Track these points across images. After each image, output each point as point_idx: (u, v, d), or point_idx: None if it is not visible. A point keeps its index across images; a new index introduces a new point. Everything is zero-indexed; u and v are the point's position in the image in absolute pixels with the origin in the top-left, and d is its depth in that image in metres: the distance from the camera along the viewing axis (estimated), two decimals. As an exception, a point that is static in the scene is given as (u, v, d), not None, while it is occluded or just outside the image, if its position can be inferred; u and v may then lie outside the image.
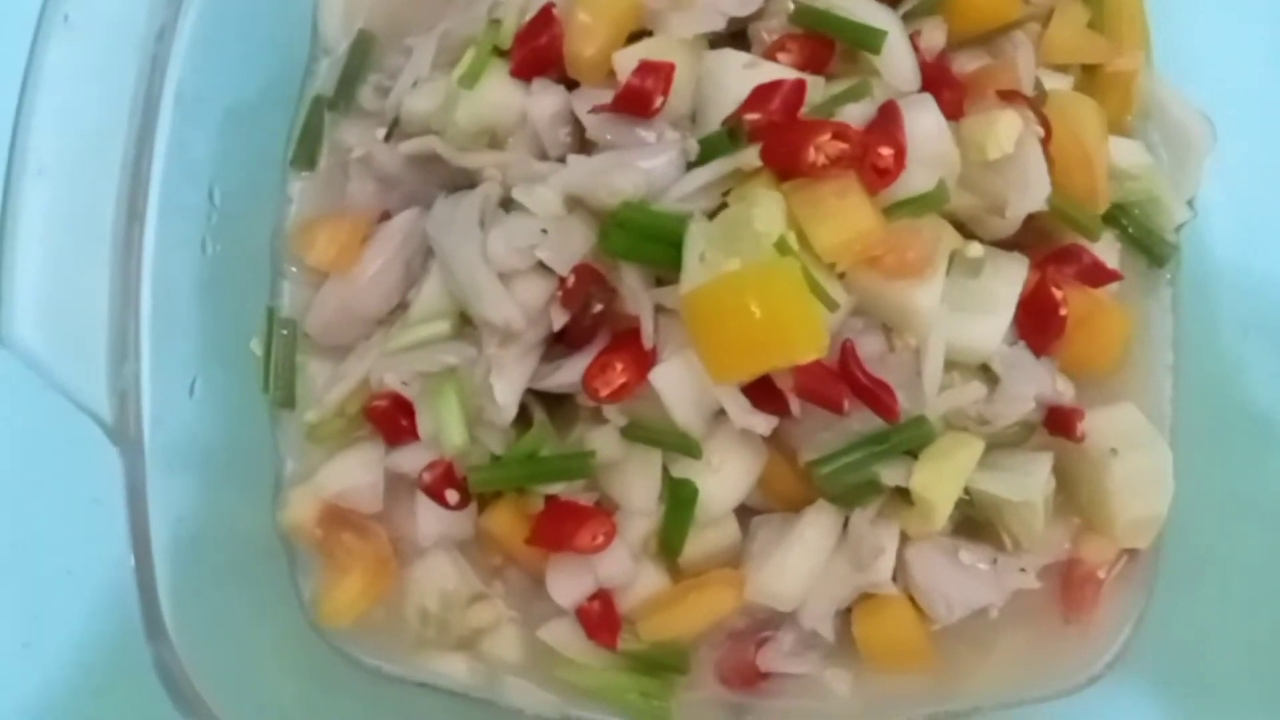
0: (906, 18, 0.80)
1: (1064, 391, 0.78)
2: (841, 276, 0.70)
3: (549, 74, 0.79)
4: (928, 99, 0.73)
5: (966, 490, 0.75)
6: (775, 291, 0.65)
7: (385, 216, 0.83)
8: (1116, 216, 0.83)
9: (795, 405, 0.71)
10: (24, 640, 0.89)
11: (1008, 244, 0.78)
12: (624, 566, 0.76)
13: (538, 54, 0.78)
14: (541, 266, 0.73)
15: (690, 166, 0.73)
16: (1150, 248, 0.84)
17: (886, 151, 0.69)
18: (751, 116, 0.71)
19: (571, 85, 0.79)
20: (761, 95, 0.71)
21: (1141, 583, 0.82)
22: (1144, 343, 0.84)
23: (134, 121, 0.71)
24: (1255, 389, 0.82)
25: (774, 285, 0.65)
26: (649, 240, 0.71)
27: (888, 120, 0.71)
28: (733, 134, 0.71)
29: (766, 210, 0.67)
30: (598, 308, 0.72)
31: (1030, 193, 0.74)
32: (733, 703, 0.81)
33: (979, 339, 0.74)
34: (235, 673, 0.70)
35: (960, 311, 0.73)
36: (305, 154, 0.87)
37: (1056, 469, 0.78)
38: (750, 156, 0.70)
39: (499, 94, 0.78)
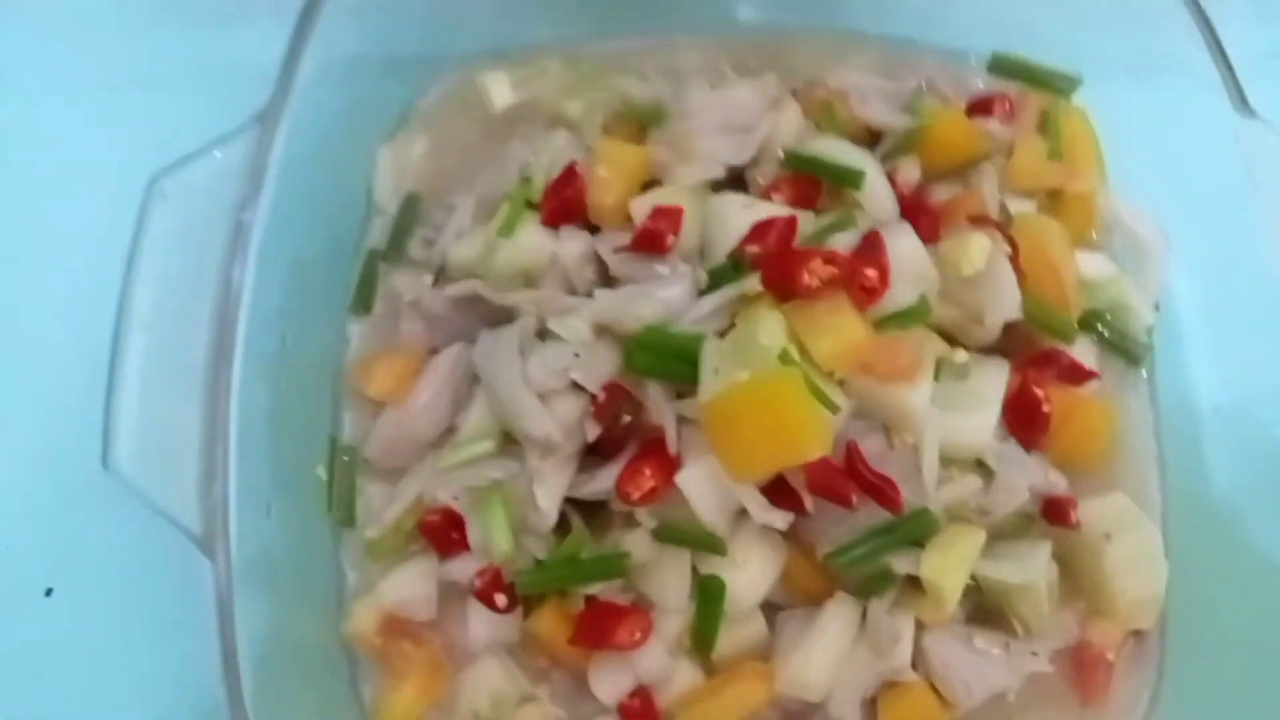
0: (884, 157, 0.90)
1: (1057, 483, 0.83)
2: (841, 383, 0.77)
3: (575, 221, 0.88)
4: (906, 226, 0.82)
5: (974, 578, 0.79)
6: (782, 397, 0.72)
7: (434, 352, 0.89)
8: (1091, 322, 0.90)
9: (809, 501, 0.76)
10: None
11: (992, 350, 0.85)
12: (661, 662, 0.79)
13: (565, 205, 0.87)
14: (575, 386, 0.80)
15: (701, 294, 0.81)
16: (1125, 349, 0.91)
17: (872, 273, 0.77)
18: (752, 249, 0.80)
19: (594, 230, 0.88)
20: (760, 230, 0.80)
21: (1151, 663, 0.85)
22: (1128, 435, 0.89)
23: (221, 279, 0.79)
24: (1234, 465, 0.86)
25: (780, 391, 0.72)
26: (669, 359, 0.78)
27: (871, 246, 0.79)
28: (736, 264, 0.80)
29: (769, 328, 0.75)
30: (626, 419, 0.78)
31: (1004, 302, 0.81)
32: None
33: (970, 435, 0.80)
34: None
35: (951, 411, 0.79)
36: (363, 300, 0.93)
37: (1058, 557, 0.83)
38: (753, 283, 0.78)
39: (532, 240, 0.87)
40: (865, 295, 0.77)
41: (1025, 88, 0.96)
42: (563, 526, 0.82)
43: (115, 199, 0.81)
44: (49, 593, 0.97)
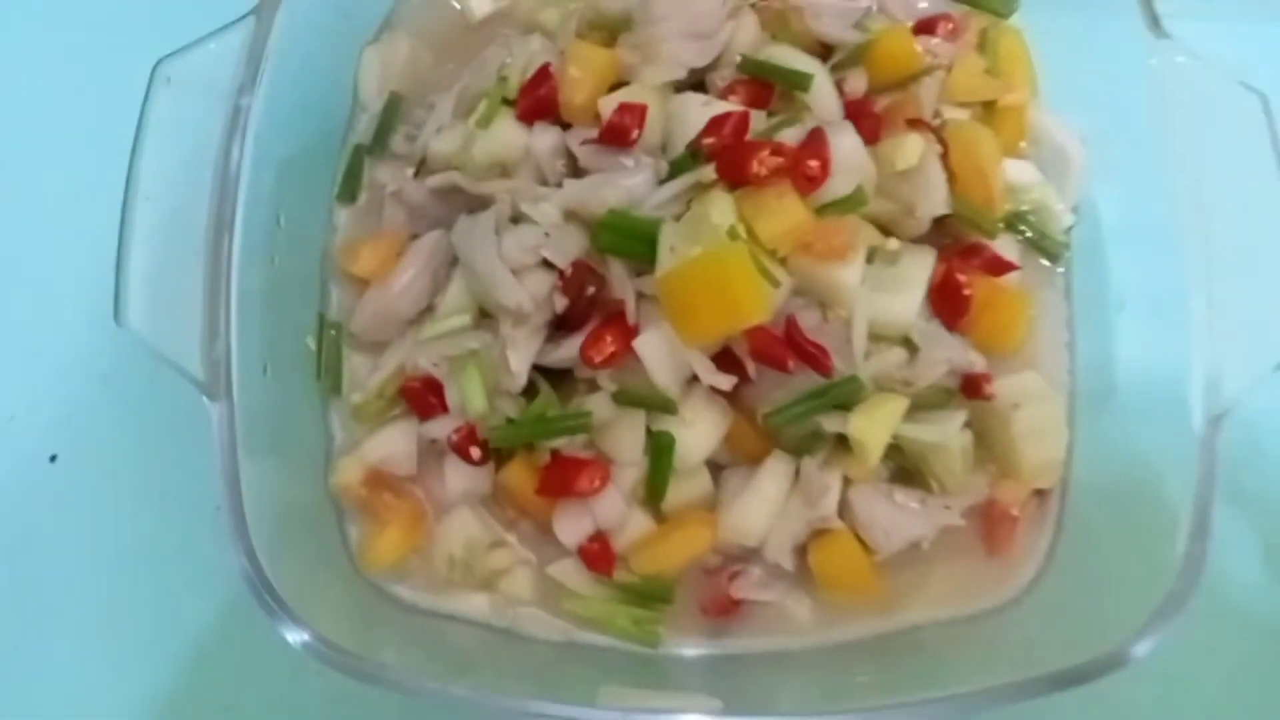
0: (834, 68, 0.95)
1: (975, 361, 0.89)
2: (783, 261, 0.83)
3: (547, 118, 0.92)
4: (847, 124, 0.88)
5: (896, 440, 0.86)
6: (729, 268, 0.78)
7: (414, 237, 0.94)
8: (1015, 223, 0.96)
9: (751, 367, 0.83)
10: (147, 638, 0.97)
11: (922, 242, 0.91)
12: (618, 509, 0.86)
13: (538, 102, 0.91)
14: (546, 263, 0.86)
15: (661, 183, 0.87)
16: (1044, 247, 0.97)
17: (814, 163, 0.83)
18: (708, 141, 0.85)
19: (565, 126, 0.92)
20: (716, 124, 0.85)
21: (1050, 519, 0.92)
22: (1043, 323, 0.95)
23: (220, 159, 0.83)
24: (1135, 355, 0.93)
25: (728, 263, 0.78)
26: (630, 239, 0.83)
27: (815, 141, 0.85)
28: (694, 155, 0.85)
29: (720, 208, 0.81)
30: (590, 292, 0.84)
31: (933, 197, 0.88)
32: (711, 627, 0.89)
33: (897, 313, 0.86)
34: (300, 604, 0.78)
35: (881, 291, 0.86)
36: (349, 190, 0.99)
37: (973, 428, 0.89)
38: (708, 172, 0.83)
39: (508, 134, 0.92)
40: (807, 183, 0.82)
41: (968, 10, 1.00)
42: (531, 392, 0.88)
43: (123, 83, 0.84)
44: (53, 459, 1.03)
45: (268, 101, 0.86)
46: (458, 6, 1.06)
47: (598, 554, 0.87)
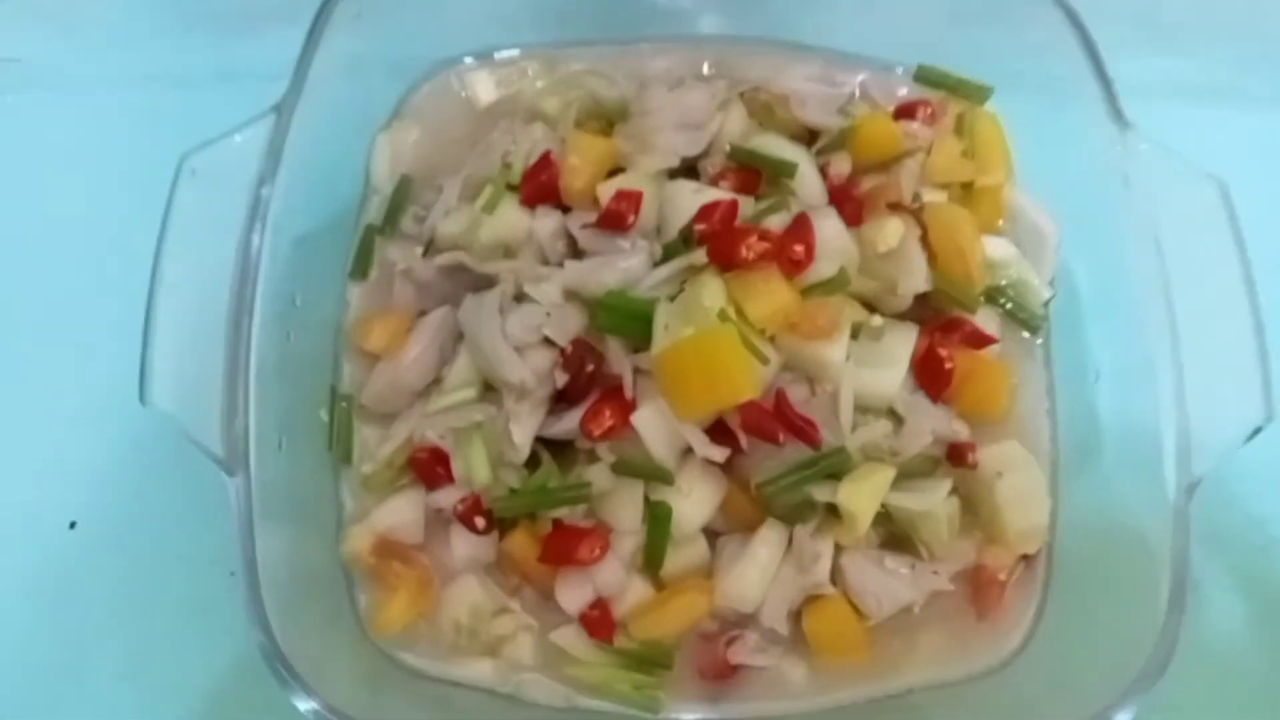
0: (819, 153, 0.99)
1: (959, 430, 0.92)
2: (771, 339, 0.85)
3: (549, 202, 0.95)
4: (831, 210, 0.92)
5: (885, 508, 0.88)
6: (720, 347, 0.81)
7: (423, 313, 0.96)
8: (995, 297, 0.99)
9: (743, 439, 0.85)
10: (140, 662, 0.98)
11: (904, 317, 0.95)
12: (618, 577, 0.88)
13: (541, 187, 0.95)
14: (547, 341, 0.88)
15: (656, 265, 0.89)
16: (1024, 320, 1.00)
17: (799, 248, 0.86)
18: (700, 227, 0.88)
19: (566, 210, 0.95)
20: (707, 211, 0.89)
21: (1036, 583, 0.93)
22: (1024, 392, 0.98)
23: (241, 245, 0.86)
24: (1112, 422, 0.96)
25: (719, 343, 0.81)
26: (627, 318, 0.86)
27: (800, 226, 0.88)
28: (686, 240, 0.89)
29: (712, 291, 0.84)
30: (590, 368, 0.87)
31: (914, 275, 0.91)
32: (709, 692, 0.90)
33: (882, 386, 0.88)
34: (309, 670, 0.80)
35: (866, 366, 0.88)
36: (361, 268, 1.01)
37: (960, 495, 0.92)
38: (700, 255, 0.87)
39: (511, 218, 0.95)
40: (793, 266, 0.86)
41: (945, 95, 1.05)
42: (534, 463, 0.90)
43: (151, 177, 0.88)
44: (73, 525, 1.06)
45: (286, 188, 0.90)
46: (464, 95, 1.09)
47: (598, 620, 0.88)
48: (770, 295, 0.85)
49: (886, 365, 0.89)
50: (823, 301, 0.87)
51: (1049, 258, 1.01)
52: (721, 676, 0.90)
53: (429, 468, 0.92)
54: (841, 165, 0.97)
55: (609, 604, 0.89)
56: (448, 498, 0.91)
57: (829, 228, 0.89)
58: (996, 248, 0.99)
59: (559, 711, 0.89)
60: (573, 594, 0.88)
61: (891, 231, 0.91)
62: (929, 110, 1.02)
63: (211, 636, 0.97)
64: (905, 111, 1.02)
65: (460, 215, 0.97)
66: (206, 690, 0.97)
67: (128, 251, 0.89)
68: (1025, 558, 0.94)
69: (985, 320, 0.97)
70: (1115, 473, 0.93)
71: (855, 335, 0.89)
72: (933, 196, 0.98)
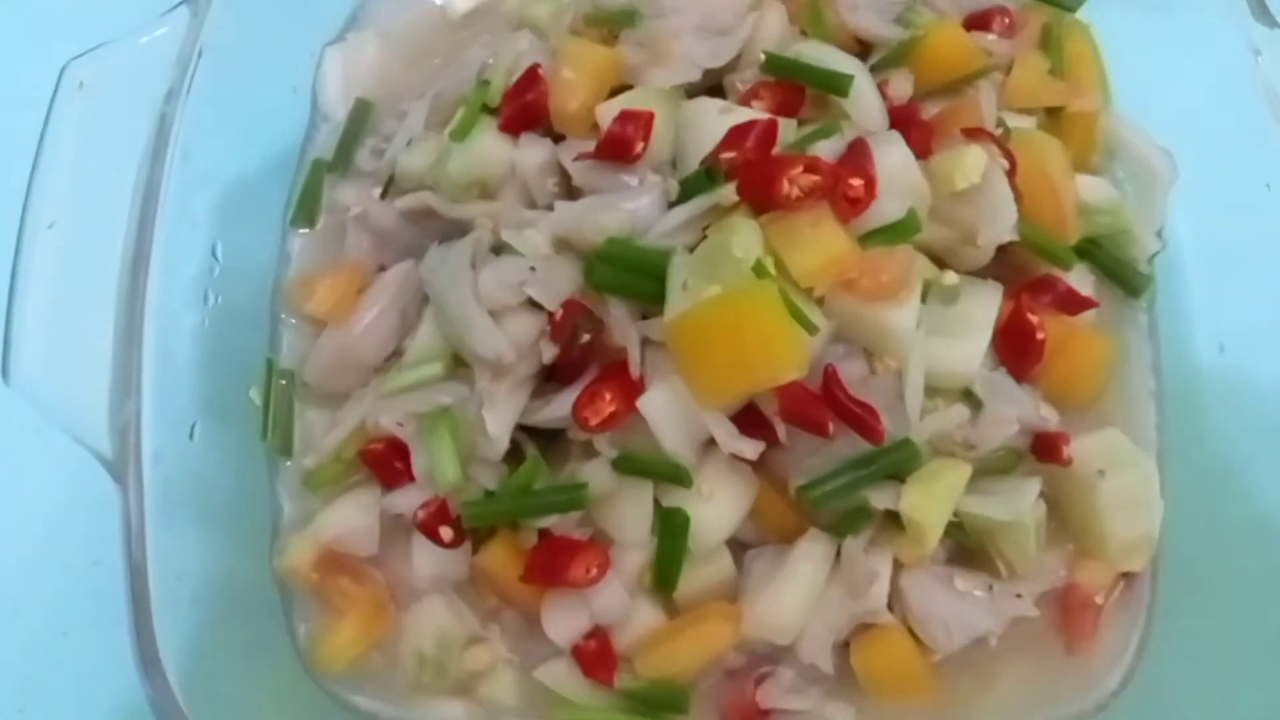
0: (874, 69, 0.87)
1: (1048, 417, 0.81)
2: (820, 302, 0.74)
3: (536, 128, 0.85)
4: (895, 135, 0.79)
5: (957, 515, 0.77)
6: (755, 312, 0.69)
7: (381, 269, 0.88)
8: (1089, 250, 0.88)
9: (781, 430, 0.74)
10: (18, 705, 0.89)
11: (983, 275, 0.82)
12: (619, 601, 0.77)
13: (525, 109, 0.84)
14: (531, 304, 0.77)
15: (672, 205, 0.77)
16: (1125, 279, 0.89)
17: (857, 182, 0.74)
18: (728, 155, 0.76)
19: (557, 138, 0.85)
20: (737, 135, 0.77)
21: (1140, 607, 0.84)
22: (1125, 370, 0.88)
23: (141, 177, 0.77)
24: (1236, 405, 0.84)
25: (753, 306, 0.69)
26: (633, 274, 0.75)
27: (857, 154, 0.76)
28: (710, 173, 0.76)
29: (744, 237, 0.72)
30: (585, 339, 0.75)
31: (999, 221, 0.78)
32: None
33: (958, 362, 0.77)
34: (232, 718, 0.71)
35: (938, 336, 0.77)
36: (305, 213, 0.92)
37: (1047, 497, 0.81)
38: (728, 193, 0.74)
39: (489, 147, 0.85)
40: (849, 206, 0.74)
41: (1026, 2, 0.94)
42: (515, 457, 0.80)
43: (24, 88, 0.79)
44: None
45: (202, 108, 0.81)
46: (436, 1, 1.01)
47: (595, 655, 0.78)
48: (820, 243, 0.73)
49: (964, 335, 0.78)
50: (887, 252, 0.75)
51: (1159, 201, 0.90)
52: (749, 724, 0.80)
53: (385, 462, 0.82)
54: (902, 85, 0.87)
55: (609, 634, 0.79)
56: (408, 501, 0.80)
57: (895, 156, 0.77)
58: (1091, 189, 0.89)
59: (548, 766, 0.81)
60: (563, 621, 0.78)
61: (972, 163, 0.77)
62: (1007, 19, 0.92)
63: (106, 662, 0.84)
64: (978, 21, 0.92)
65: (426, 146, 0.87)
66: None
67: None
68: (1126, 575, 0.84)
69: (1078, 280, 0.87)
70: (1239, 469, 0.84)
71: (924, 297, 0.78)
72: (1017, 124, 0.88)
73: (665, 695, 0.79)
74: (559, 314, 0.76)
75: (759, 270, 0.71)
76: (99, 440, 0.70)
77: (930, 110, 0.87)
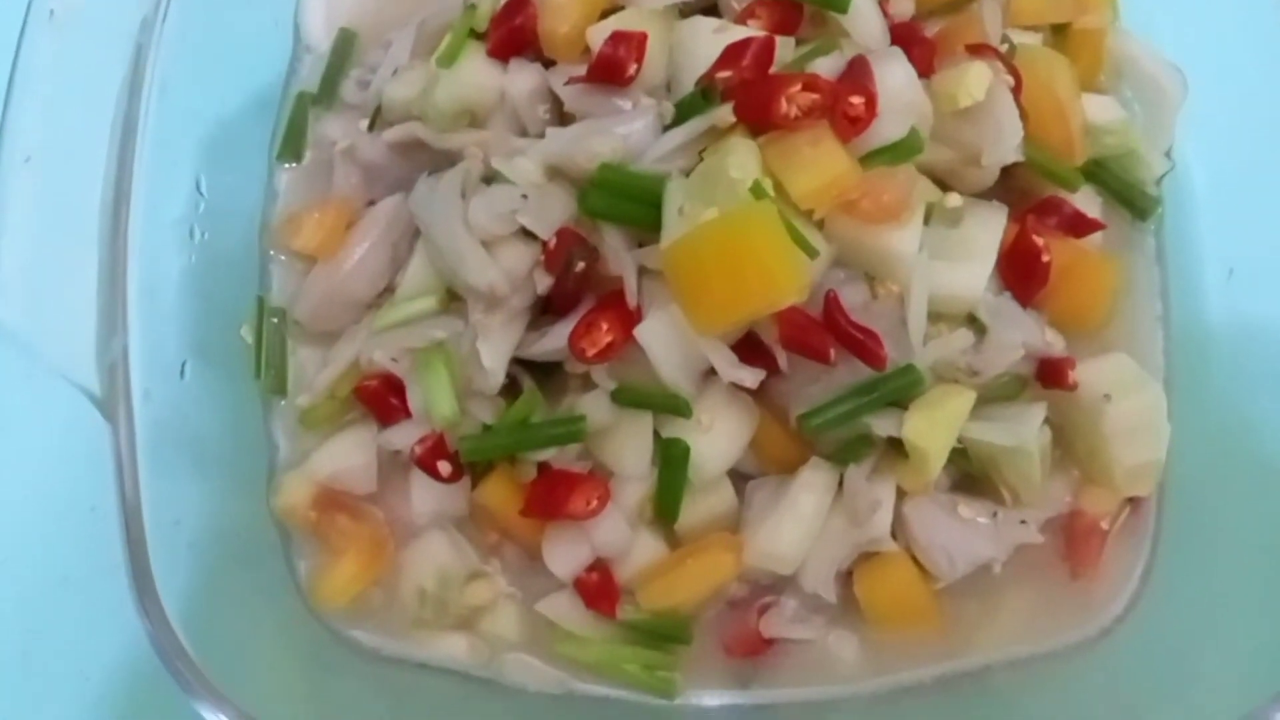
0: None
1: (1054, 342, 0.81)
2: (820, 225, 0.73)
3: (525, 54, 0.83)
4: (896, 51, 0.76)
5: (960, 442, 0.77)
6: (753, 234, 0.68)
7: (370, 204, 0.87)
8: (1096, 172, 0.86)
9: (782, 358, 0.73)
10: (22, 650, 0.89)
11: (987, 197, 0.80)
12: (620, 533, 0.77)
13: (513, 34, 0.82)
14: (524, 233, 0.76)
15: (667, 129, 0.75)
16: (1132, 201, 0.87)
17: (857, 100, 0.72)
18: (724, 75, 0.74)
19: (548, 63, 0.83)
20: (733, 54, 0.74)
21: (1146, 533, 0.84)
22: (1132, 295, 0.87)
23: (119, 111, 0.74)
24: (1244, 331, 0.83)
25: (752, 228, 0.68)
26: (628, 200, 0.74)
27: (858, 72, 0.74)
28: (706, 94, 0.74)
29: (741, 158, 0.70)
30: (580, 267, 0.74)
31: (1004, 140, 0.76)
32: (737, 672, 0.82)
33: (962, 286, 0.76)
34: (234, 657, 0.70)
35: (942, 259, 0.75)
36: (291, 148, 0.90)
37: (1052, 424, 0.80)
38: (724, 114, 0.73)
39: (477, 74, 0.83)
40: (850, 125, 0.72)
41: None
42: (512, 390, 0.79)
43: None
44: None
45: (181, 41, 0.78)
46: None
47: (597, 587, 0.79)
48: (820, 164, 0.71)
49: (968, 258, 0.77)
50: (888, 173, 0.73)
51: (1168, 120, 0.89)
52: (752, 653, 0.82)
53: (381, 398, 0.81)
54: (904, 2, 0.85)
55: (610, 566, 0.80)
56: (404, 436, 0.80)
57: (896, 75, 0.75)
58: (1099, 108, 0.87)
59: (550, 699, 0.81)
60: (564, 554, 0.78)
61: (976, 80, 0.75)
62: (1012, -67, 0.90)
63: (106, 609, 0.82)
64: (980, -66, 0.89)
65: (413, 76, 0.86)
66: (100, 685, 0.87)
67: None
68: (1132, 501, 0.84)
69: (1084, 202, 0.86)
70: (1246, 395, 0.82)
71: (926, 220, 0.76)
72: (1022, 40, 0.86)
73: (668, 626, 0.80)
74: (553, 243, 0.75)
75: (757, 191, 0.69)
76: (88, 378, 0.69)
77: (933, 28, 0.84)
